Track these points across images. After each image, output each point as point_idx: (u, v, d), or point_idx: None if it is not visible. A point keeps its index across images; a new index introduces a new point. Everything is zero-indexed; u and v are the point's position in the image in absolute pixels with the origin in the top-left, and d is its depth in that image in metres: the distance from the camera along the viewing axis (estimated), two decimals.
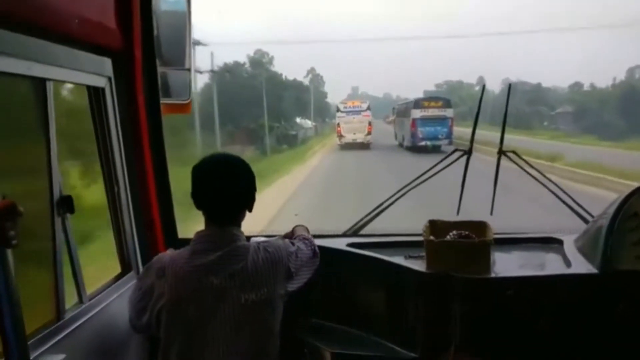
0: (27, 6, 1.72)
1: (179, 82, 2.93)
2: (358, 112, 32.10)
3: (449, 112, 28.87)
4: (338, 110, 33.11)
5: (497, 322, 2.30)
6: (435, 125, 28.22)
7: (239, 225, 1.97)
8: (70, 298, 1.89)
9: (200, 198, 1.93)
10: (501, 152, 2.91)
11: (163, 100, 2.71)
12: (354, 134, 31.56)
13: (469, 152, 2.98)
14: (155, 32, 2.63)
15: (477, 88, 57.25)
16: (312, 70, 56.37)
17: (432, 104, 29.49)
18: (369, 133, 31.84)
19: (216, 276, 1.86)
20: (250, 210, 1.99)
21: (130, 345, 2.20)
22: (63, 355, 1.66)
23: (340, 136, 32.12)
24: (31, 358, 1.32)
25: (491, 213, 2.92)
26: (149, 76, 2.57)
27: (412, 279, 2.37)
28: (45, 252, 1.79)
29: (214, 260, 1.87)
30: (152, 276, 1.92)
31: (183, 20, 2.93)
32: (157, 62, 2.65)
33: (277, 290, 1.96)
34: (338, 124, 32.51)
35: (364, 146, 31.02)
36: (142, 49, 2.51)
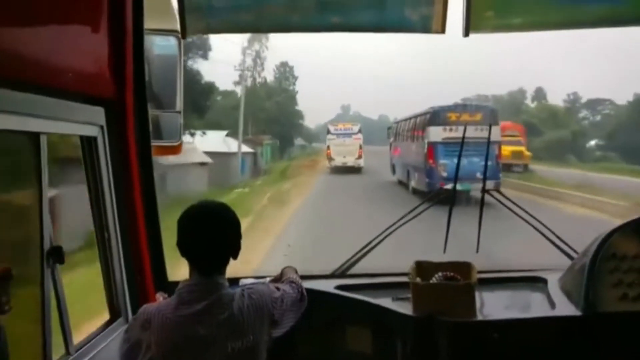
0: (21, 63, 1.77)
1: (170, 124, 2.98)
2: (349, 135, 30.89)
3: (494, 133, 16.02)
4: (328, 132, 31.90)
5: None
6: (471, 155, 15.86)
7: (224, 273, 1.98)
8: (58, 349, 1.90)
9: (185, 247, 1.94)
10: (485, 191, 2.98)
11: (154, 142, 2.75)
12: (344, 157, 30.27)
13: (453, 190, 3.04)
14: (147, 77, 2.69)
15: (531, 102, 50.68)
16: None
17: (466, 116, 17.63)
18: (360, 157, 30.51)
19: (203, 326, 1.87)
20: (235, 258, 2.00)
21: None
22: None
23: (330, 159, 30.91)
24: None
25: (477, 251, 2.97)
26: (141, 122, 2.60)
27: (399, 322, 2.40)
28: (34, 303, 1.81)
29: (201, 310, 1.88)
30: (138, 329, 1.91)
31: (174, 64, 3.00)
32: (149, 106, 2.70)
33: (262, 337, 1.97)
34: (328, 146, 31.21)
35: (354, 170, 29.52)
36: (134, 95, 2.55)
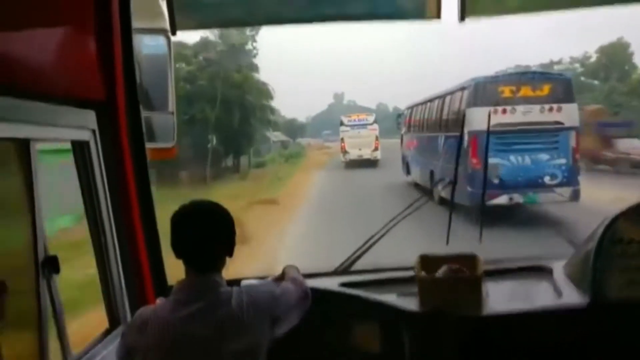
0: (8, 67, 1.71)
1: (163, 126, 2.92)
2: (364, 126, 28.98)
3: (567, 113, 11.19)
4: (342, 124, 29.84)
5: (492, 358, 2.29)
6: (536, 150, 11.21)
7: (220, 272, 1.95)
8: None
9: (179, 247, 1.91)
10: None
11: (147, 145, 2.69)
12: (360, 149, 28.21)
13: (454, 181, 2.99)
14: (137, 78, 2.63)
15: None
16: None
17: (527, 90, 11.33)
18: (376, 148, 28.42)
19: (201, 326, 1.83)
20: (230, 256, 1.97)
21: None
22: None
23: (345, 152, 28.84)
24: None
25: (480, 241, 2.93)
26: (134, 123, 2.55)
27: (405, 319, 2.36)
28: (30, 314, 1.75)
29: (198, 310, 1.84)
30: (134, 332, 1.88)
31: (164, 63, 2.94)
32: (141, 107, 2.64)
33: (261, 337, 1.92)
34: (342, 139, 29.20)
35: (370, 163, 27.55)
36: (126, 97, 2.49)
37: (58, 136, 2.06)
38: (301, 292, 2.16)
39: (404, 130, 19.45)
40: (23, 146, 1.81)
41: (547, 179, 10.80)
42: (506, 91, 11.16)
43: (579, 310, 2.32)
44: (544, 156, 10.93)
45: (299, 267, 2.43)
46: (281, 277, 2.33)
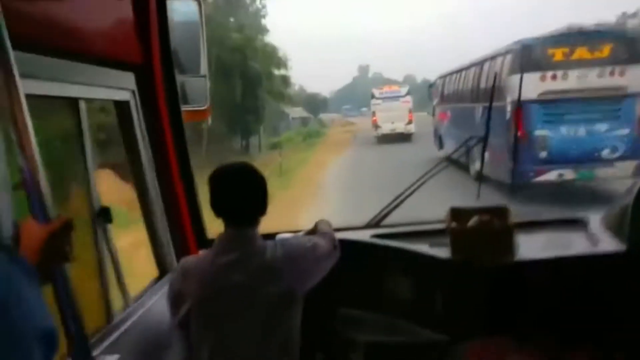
0: (55, 31, 1.81)
1: (196, 89, 3.01)
2: (396, 98, 27.54)
3: (632, 77, 9.38)
4: (373, 96, 28.48)
5: (523, 305, 2.34)
6: (592, 121, 9.54)
7: (256, 227, 2.07)
8: (116, 302, 1.99)
9: (219, 206, 2.03)
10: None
11: (182, 108, 2.79)
12: (392, 123, 26.75)
13: (485, 137, 3.02)
14: (172, 43, 2.71)
15: None
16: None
17: (583, 51, 9.62)
18: (410, 122, 26.87)
19: (237, 273, 1.95)
20: (264, 214, 2.09)
21: (173, 341, 2.29)
22: (117, 356, 1.76)
23: (377, 126, 27.56)
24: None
25: (477, 197, 2.95)
26: (169, 86, 2.65)
27: (437, 267, 2.43)
28: (91, 261, 1.89)
29: (235, 259, 1.97)
30: (179, 279, 2.03)
31: (197, 30, 3.01)
32: (175, 71, 2.73)
33: (296, 285, 2.04)
34: (373, 112, 27.92)
35: (404, 137, 26.00)
36: (161, 61, 2.59)
37: (102, 96, 2.17)
38: (330, 244, 2.26)
39: (436, 101, 17.96)
40: (73, 104, 1.92)
41: (605, 152, 9.36)
42: (558, 54, 9.57)
43: (616, 257, 2.32)
44: (602, 126, 9.44)
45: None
46: (313, 231, 2.44)
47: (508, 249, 2.43)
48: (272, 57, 25.64)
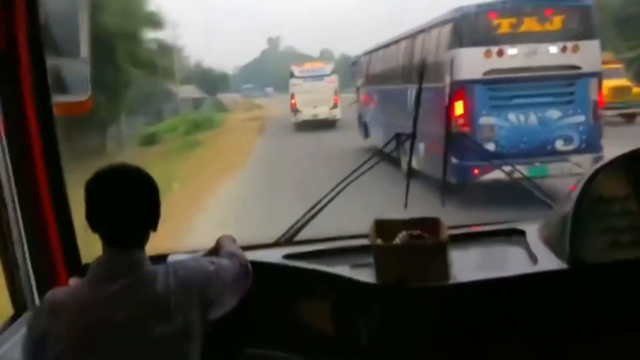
0: None
1: (74, 75, 2.54)
2: (320, 78, 23.32)
3: (587, 54, 8.16)
4: (292, 75, 23.89)
5: (461, 331, 2.10)
6: (543, 106, 8.16)
7: (143, 248, 1.73)
8: None
9: (96, 219, 1.68)
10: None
11: (57, 99, 2.33)
12: (315, 107, 22.65)
13: (412, 136, 2.76)
14: (42, 18, 2.26)
15: None
16: None
17: (531, 22, 8.26)
18: (335, 105, 22.95)
19: (122, 308, 1.62)
20: (155, 230, 1.76)
21: None
22: None
23: (296, 110, 23.24)
24: None
25: (442, 204, 2.73)
26: (38, 72, 2.21)
27: (361, 292, 2.13)
28: None
29: (119, 290, 1.63)
30: (44, 319, 1.64)
31: (74, 3, 2.54)
32: (48, 55, 2.28)
33: (194, 320, 1.71)
34: (292, 94, 23.44)
35: (327, 124, 22.47)
36: (29, 44, 2.17)
37: None
38: (240, 268, 1.94)
39: (360, 81, 15.86)
40: None
41: (559, 144, 8.02)
42: (504, 25, 8.13)
43: (556, 276, 2.16)
44: (554, 113, 8.03)
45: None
46: (215, 250, 2.10)
47: (441, 268, 2.16)
48: (136, 10, 18.20)
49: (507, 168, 3.20)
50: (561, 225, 2.22)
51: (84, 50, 2.55)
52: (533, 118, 8.04)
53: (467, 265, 2.29)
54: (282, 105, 25.84)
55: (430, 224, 2.31)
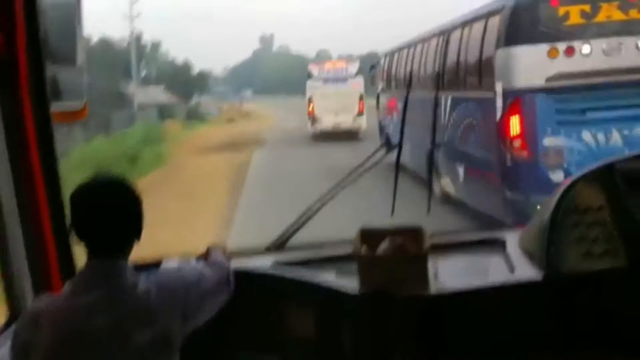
0: None
1: (71, 83, 2.59)
2: (343, 80, 19.63)
3: None
4: (309, 76, 20.17)
5: (441, 340, 2.16)
6: (629, 120, 5.68)
7: (126, 257, 1.77)
8: None
9: (80, 228, 1.72)
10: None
11: (54, 107, 2.37)
12: (337, 114, 19.23)
13: (399, 144, 2.80)
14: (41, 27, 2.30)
15: None
16: None
17: (610, 9, 5.71)
18: (360, 113, 19.49)
19: (102, 316, 1.64)
20: (138, 239, 1.79)
21: None
22: None
23: (314, 119, 19.71)
24: None
25: (428, 211, 2.78)
26: (37, 80, 2.25)
27: (344, 301, 2.19)
28: None
29: (97, 298, 1.66)
30: (25, 329, 1.67)
31: (72, 13, 2.59)
32: (47, 64, 2.32)
33: (174, 328, 1.75)
34: (309, 99, 19.77)
35: (351, 135, 19.02)
36: (27, 52, 2.20)
37: None
38: (220, 278, 1.99)
39: (381, 86, 13.74)
40: None
41: None
42: (573, 13, 5.96)
43: (532, 285, 2.21)
44: None
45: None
46: (205, 256, 2.17)
47: (422, 278, 2.22)
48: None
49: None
50: (538, 234, 2.28)
51: (80, 58, 2.61)
52: (617, 137, 5.97)
53: (449, 274, 2.35)
54: (279, 113, 21.44)
55: (413, 233, 2.37)
